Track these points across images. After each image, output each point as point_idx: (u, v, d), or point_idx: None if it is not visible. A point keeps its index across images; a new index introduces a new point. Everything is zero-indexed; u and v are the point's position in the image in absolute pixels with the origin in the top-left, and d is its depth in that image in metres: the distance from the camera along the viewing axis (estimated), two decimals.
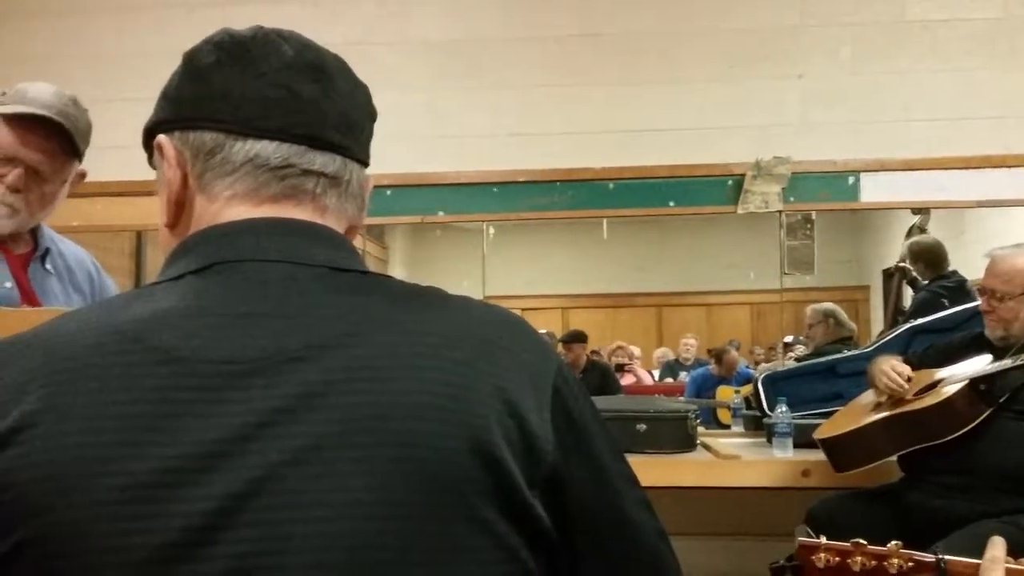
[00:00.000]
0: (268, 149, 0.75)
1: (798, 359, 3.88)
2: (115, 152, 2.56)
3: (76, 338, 0.65)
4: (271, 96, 0.75)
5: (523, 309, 5.19)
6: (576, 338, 4.73)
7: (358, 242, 0.90)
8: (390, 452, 0.63)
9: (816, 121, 3.60)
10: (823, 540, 1.43)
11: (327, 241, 0.75)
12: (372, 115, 0.83)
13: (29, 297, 1.66)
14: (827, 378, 3.41)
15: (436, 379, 0.66)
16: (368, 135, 0.82)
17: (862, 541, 1.41)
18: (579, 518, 0.70)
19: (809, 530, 2.50)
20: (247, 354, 0.65)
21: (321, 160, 0.76)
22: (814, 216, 3.62)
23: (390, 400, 0.64)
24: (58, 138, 1.64)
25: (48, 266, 1.74)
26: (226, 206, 0.75)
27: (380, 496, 0.62)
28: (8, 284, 1.64)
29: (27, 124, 1.61)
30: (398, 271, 4.62)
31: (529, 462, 0.66)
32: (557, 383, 0.71)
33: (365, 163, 0.82)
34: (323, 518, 0.61)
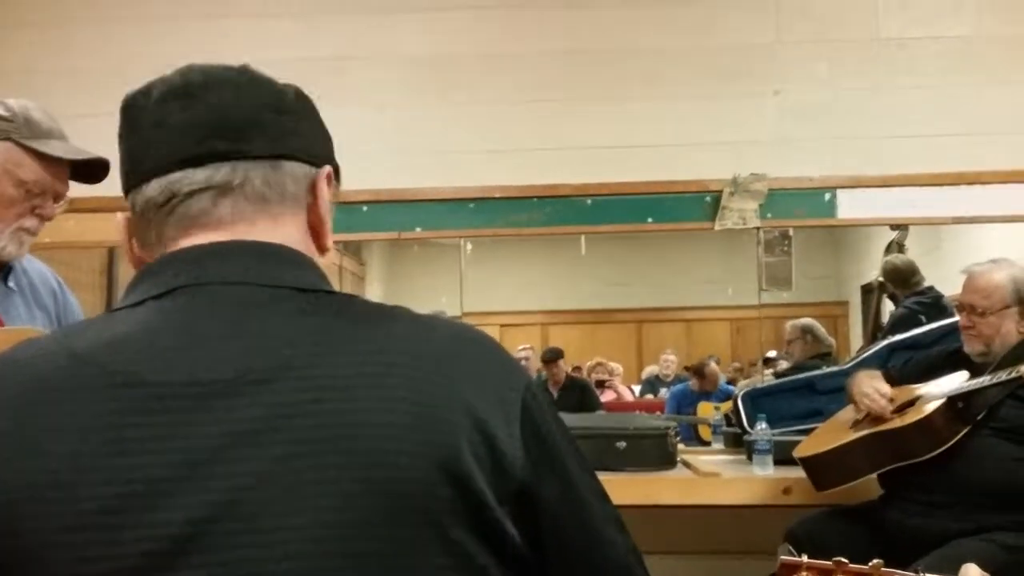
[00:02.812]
0: (152, 189, 0.75)
1: (778, 374, 3.88)
2: None
3: (34, 364, 0.65)
4: (150, 139, 0.76)
5: (502, 325, 5.18)
6: (556, 356, 4.73)
7: (334, 257, 0.89)
8: (356, 473, 0.62)
9: (793, 137, 3.62)
10: (805, 559, 1.42)
11: (287, 261, 0.75)
12: (273, 106, 0.79)
13: None
14: (806, 394, 3.42)
15: (402, 398, 0.66)
16: (276, 126, 0.78)
17: (844, 559, 1.40)
18: (549, 534, 0.70)
19: (791, 548, 2.49)
20: (209, 376, 0.64)
21: (204, 174, 0.75)
22: (791, 232, 3.63)
23: (356, 420, 0.64)
24: (71, 167, 1.68)
25: (11, 284, 1.71)
26: (167, 246, 0.75)
27: (347, 517, 0.62)
28: None
29: (59, 160, 1.63)
30: (375, 287, 4.60)
31: (498, 479, 0.66)
32: (525, 400, 0.71)
33: (283, 155, 0.78)
34: (288, 540, 0.60)
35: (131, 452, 0.61)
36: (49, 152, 1.60)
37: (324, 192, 0.81)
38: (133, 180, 0.77)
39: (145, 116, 0.78)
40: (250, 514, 0.60)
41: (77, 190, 2.98)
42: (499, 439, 0.67)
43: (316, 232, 0.80)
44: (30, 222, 1.64)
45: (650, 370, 5.32)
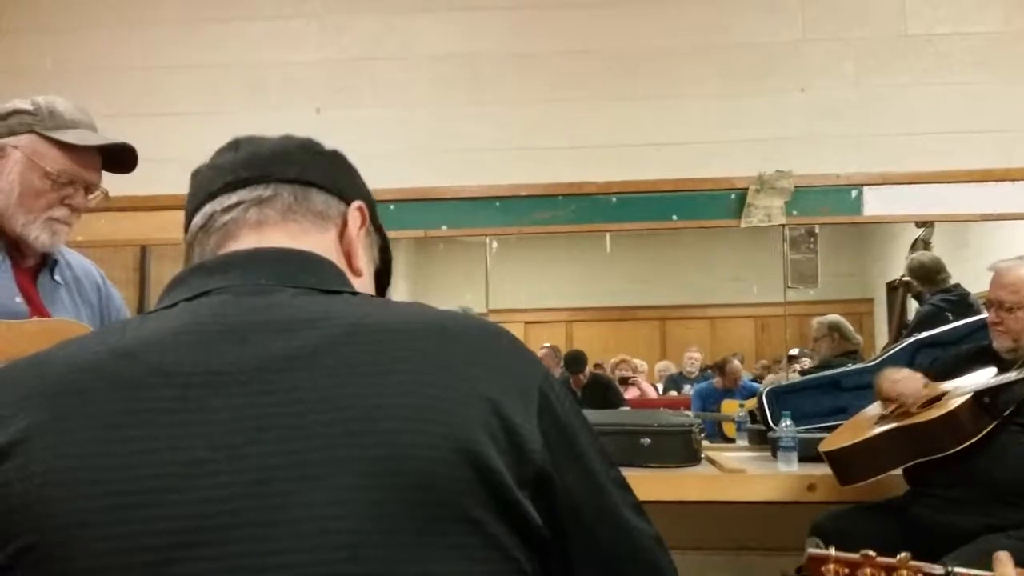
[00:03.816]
0: (198, 217, 0.84)
1: (803, 372, 3.87)
2: None
3: (72, 359, 0.69)
4: (201, 180, 0.87)
5: (526, 323, 5.19)
6: (579, 366, 4.71)
7: None
8: (378, 453, 0.64)
9: (819, 135, 3.61)
10: (833, 552, 1.43)
11: (312, 265, 0.80)
12: (304, 148, 0.89)
13: (39, 310, 1.67)
14: (831, 392, 3.41)
15: (420, 383, 0.68)
16: (306, 162, 0.87)
17: (871, 552, 1.41)
18: (570, 519, 0.71)
19: (819, 541, 2.49)
20: (233, 366, 0.67)
21: (239, 195, 0.83)
22: (817, 229, 3.62)
23: (374, 405, 0.66)
24: (102, 156, 1.70)
25: (57, 277, 1.75)
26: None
27: (369, 497, 0.63)
28: (18, 298, 1.64)
29: (85, 148, 1.65)
30: (401, 286, 4.62)
31: (517, 463, 0.67)
32: (543, 388, 0.72)
33: (312, 183, 0.86)
34: (312, 518, 0.62)
35: (162, 438, 0.64)
36: (68, 140, 1.63)
37: (355, 222, 0.87)
38: (188, 218, 0.87)
39: (204, 168, 0.88)
40: (274, 498, 0.63)
41: (110, 189, 3.04)
42: (518, 424, 0.68)
43: (348, 255, 0.86)
44: (60, 212, 1.65)
45: (664, 365, 5.31)
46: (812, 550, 1.48)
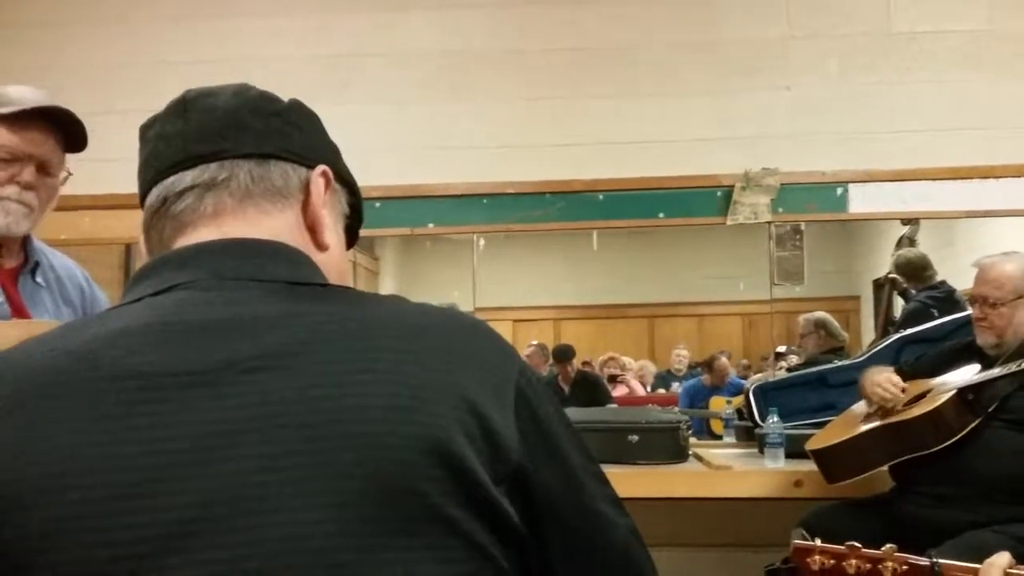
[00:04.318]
0: (152, 196, 0.80)
1: (790, 369, 3.88)
2: (104, 165, 2.55)
3: (36, 361, 0.67)
4: (152, 152, 0.82)
5: (514, 320, 5.19)
6: (567, 356, 4.74)
7: (347, 254, 0.90)
8: (349, 456, 0.63)
9: (804, 132, 3.62)
10: (818, 543, 1.44)
11: (279, 256, 0.77)
12: (260, 111, 0.82)
13: (19, 311, 1.65)
14: (818, 388, 3.42)
15: (394, 382, 0.66)
16: (262, 129, 0.82)
17: (857, 544, 1.42)
18: (547, 515, 0.70)
19: (805, 533, 2.50)
20: (204, 365, 0.66)
21: (192, 175, 0.79)
22: (803, 227, 3.63)
23: (347, 405, 0.65)
24: (56, 129, 1.66)
25: (39, 279, 1.73)
26: (166, 246, 0.79)
27: (341, 499, 0.62)
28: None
29: (27, 121, 1.62)
30: (388, 283, 4.62)
31: (494, 460, 0.67)
32: (519, 384, 0.71)
33: (270, 154, 0.81)
34: (285, 524, 0.62)
35: (127, 442, 0.62)
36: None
37: (319, 190, 0.82)
38: (142, 192, 0.82)
39: (151, 134, 0.83)
40: (247, 499, 0.62)
41: (94, 187, 3.02)
42: (493, 421, 0.67)
43: (312, 229, 0.82)
44: (9, 190, 1.63)
45: (642, 364, 5.32)
46: (798, 541, 1.48)
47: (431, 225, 3.72)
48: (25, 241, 1.74)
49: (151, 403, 0.64)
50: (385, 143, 3.63)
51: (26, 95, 1.64)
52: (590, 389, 4.69)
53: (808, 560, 1.44)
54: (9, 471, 0.62)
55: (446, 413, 0.66)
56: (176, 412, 0.64)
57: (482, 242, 3.92)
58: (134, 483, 0.61)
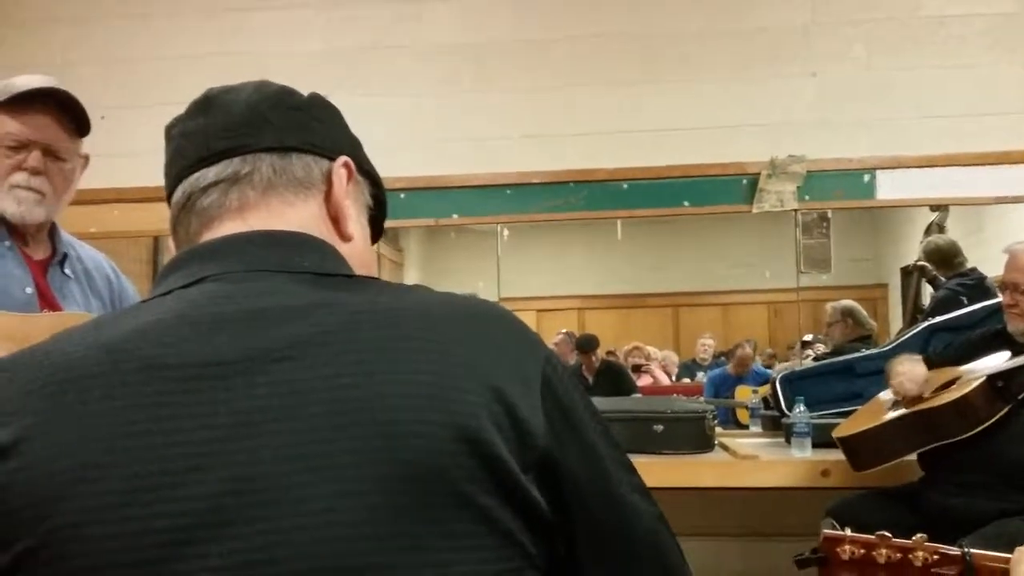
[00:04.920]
0: (178, 193, 0.82)
1: (817, 358, 3.86)
2: (131, 159, 2.58)
3: (68, 355, 0.68)
4: (176, 150, 0.84)
5: (538, 311, 5.19)
6: (591, 346, 4.73)
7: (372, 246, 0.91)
8: (378, 444, 0.64)
9: (831, 119, 3.58)
10: (848, 532, 1.43)
11: (305, 247, 0.78)
12: (280, 105, 0.84)
13: (49, 302, 1.67)
14: (845, 377, 3.40)
15: (421, 371, 0.67)
16: (283, 122, 0.83)
17: (887, 534, 1.40)
18: (575, 502, 0.70)
19: (834, 523, 2.49)
20: (234, 356, 0.66)
21: (215, 171, 0.80)
22: (830, 214, 3.60)
23: (375, 393, 0.65)
24: (61, 114, 1.67)
25: (67, 271, 1.75)
26: (193, 242, 0.81)
27: (371, 487, 0.63)
28: (29, 289, 1.65)
29: (30, 106, 1.64)
30: (413, 274, 4.63)
31: (521, 447, 0.67)
32: (545, 371, 0.71)
33: (291, 147, 0.82)
34: (314, 511, 0.62)
35: (161, 432, 0.63)
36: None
37: (341, 181, 0.83)
38: (168, 190, 0.83)
39: (175, 132, 0.85)
40: (278, 488, 0.62)
41: (122, 180, 3.05)
42: (520, 408, 0.67)
43: (336, 220, 0.83)
44: (18, 177, 1.64)
45: (666, 355, 5.30)
46: (827, 531, 1.47)
47: (455, 216, 3.72)
48: (53, 233, 1.76)
49: (183, 393, 0.65)
50: (409, 135, 3.64)
51: (32, 82, 1.65)
52: (614, 379, 4.68)
53: (838, 550, 1.43)
54: (47, 462, 0.63)
55: (474, 401, 0.66)
56: (208, 402, 0.65)
57: (506, 232, 3.92)
58: (168, 472, 0.62)
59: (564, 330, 5.01)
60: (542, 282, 5.06)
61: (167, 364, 0.66)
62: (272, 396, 0.65)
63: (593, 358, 4.71)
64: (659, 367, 5.21)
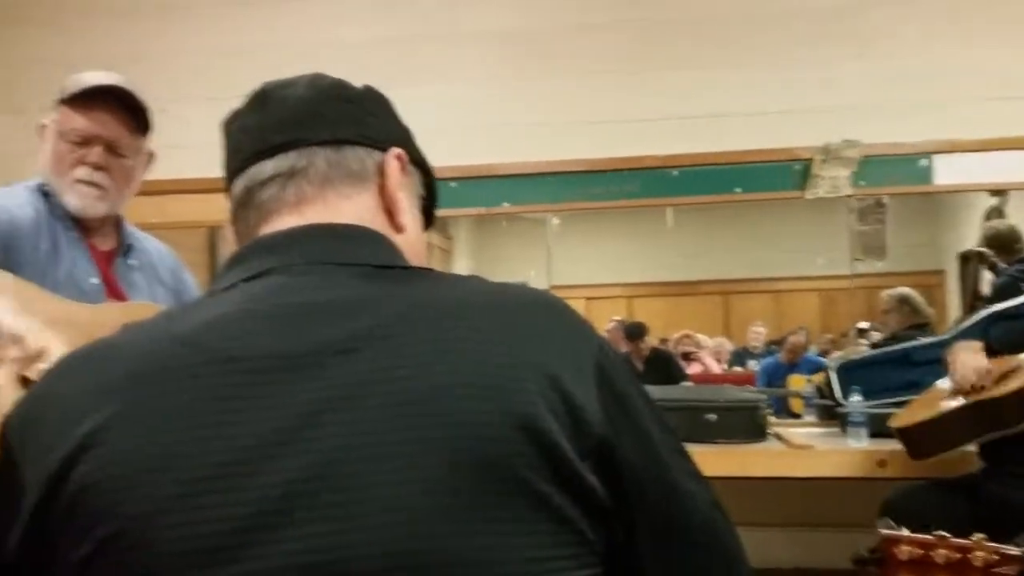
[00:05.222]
0: (237, 187, 0.84)
1: (873, 345, 3.79)
2: (189, 150, 2.62)
3: (140, 348, 0.70)
4: (234, 145, 0.87)
5: (587, 298, 5.19)
6: (640, 333, 4.71)
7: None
8: (438, 433, 0.65)
9: (885, 102, 3.51)
10: (906, 532, 1.41)
11: (362, 240, 0.80)
12: (333, 99, 0.86)
13: (114, 291, 1.72)
14: (902, 366, 3.33)
15: (479, 360, 0.68)
16: (337, 116, 0.85)
17: (945, 534, 1.39)
18: (632, 489, 0.71)
19: (891, 522, 2.46)
20: (296, 350, 0.68)
21: (272, 165, 0.82)
22: (886, 200, 3.54)
23: (435, 383, 0.67)
24: (125, 112, 1.71)
25: (132, 261, 1.80)
26: (252, 234, 0.83)
27: (432, 476, 0.64)
28: (94, 280, 1.69)
29: (94, 103, 1.68)
30: (462, 262, 4.65)
31: (577, 435, 0.68)
32: (600, 360, 0.72)
33: (345, 140, 0.84)
34: (379, 498, 0.63)
35: (231, 423, 0.65)
36: (64, 96, 1.67)
37: (394, 172, 0.85)
38: (227, 183, 0.86)
39: (233, 127, 0.88)
40: (342, 477, 0.64)
41: (180, 171, 3.10)
42: (576, 396, 0.68)
43: (390, 211, 0.85)
44: (81, 171, 1.68)
45: (719, 342, 5.26)
46: (885, 531, 1.46)
47: (506, 204, 3.72)
48: (119, 225, 1.81)
49: (251, 386, 0.67)
50: (457, 123, 3.65)
51: (98, 78, 1.70)
52: (664, 367, 4.66)
53: (895, 550, 1.42)
54: (123, 453, 0.65)
55: (530, 390, 0.67)
56: (275, 394, 0.66)
57: (556, 220, 3.91)
58: (240, 462, 0.64)
59: (616, 318, 5.00)
60: (591, 270, 5.06)
61: (234, 357, 0.68)
62: (336, 388, 0.66)
63: (642, 346, 4.69)
64: (709, 355, 5.17)
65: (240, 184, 0.83)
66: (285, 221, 0.81)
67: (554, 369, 0.69)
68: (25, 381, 1.22)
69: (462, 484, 0.64)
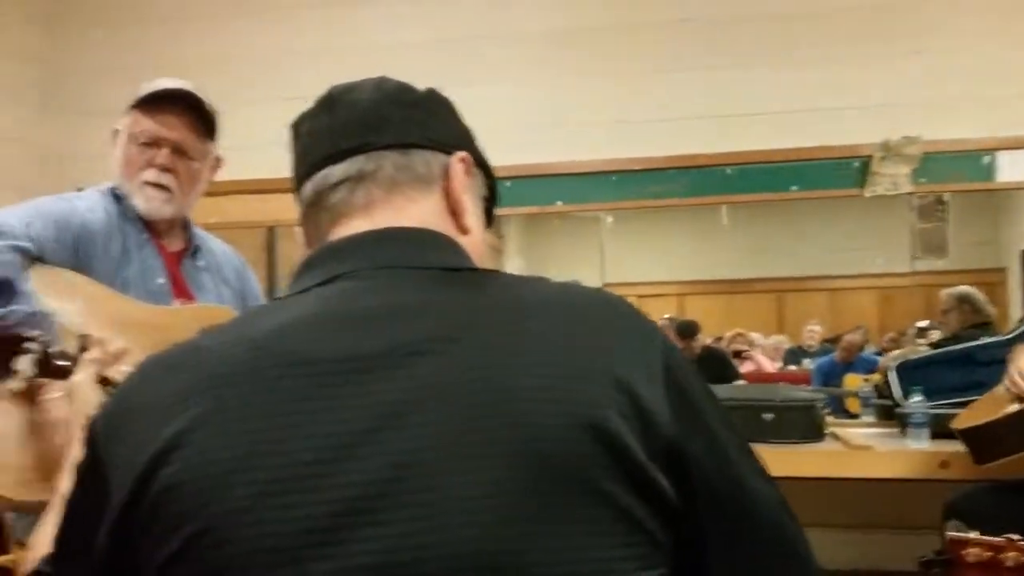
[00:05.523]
0: (307, 190, 0.85)
1: (933, 345, 3.73)
2: (249, 152, 2.67)
3: (221, 351, 0.72)
4: (303, 148, 0.88)
5: (639, 296, 5.17)
6: (692, 332, 4.68)
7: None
8: (510, 435, 0.66)
9: (946, 98, 3.44)
10: (974, 535, 1.39)
11: (431, 243, 0.81)
12: (400, 103, 0.87)
13: (182, 291, 1.76)
14: (964, 366, 3.27)
15: (548, 362, 0.69)
16: (404, 120, 0.86)
17: (1015, 536, 1.36)
18: (700, 488, 0.71)
19: (960, 524, 2.41)
20: (370, 351, 0.70)
21: (341, 168, 0.83)
22: (947, 197, 3.47)
23: (504, 385, 0.67)
24: (192, 115, 1.75)
25: (200, 262, 1.84)
26: (323, 238, 0.85)
27: (504, 477, 0.65)
28: (161, 280, 1.73)
29: (163, 106, 1.73)
30: (514, 261, 4.66)
31: (647, 436, 0.68)
32: (666, 361, 0.73)
33: (411, 144, 0.85)
34: (455, 499, 0.64)
35: (308, 424, 0.67)
36: (136, 101, 1.72)
37: (458, 175, 0.86)
38: (296, 185, 0.88)
39: (302, 130, 0.89)
40: (413, 482, 0.65)
41: (239, 172, 3.15)
42: (644, 398, 0.69)
43: (455, 213, 0.86)
44: (148, 174, 1.72)
45: (778, 340, 5.19)
46: (952, 533, 1.44)
47: (559, 203, 3.72)
48: (186, 226, 1.85)
49: (329, 387, 0.68)
50: (510, 123, 3.65)
51: (168, 81, 1.74)
52: (717, 366, 4.62)
53: (963, 552, 1.39)
54: (208, 453, 0.67)
55: (598, 391, 0.68)
56: (350, 395, 0.68)
57: (610, 219, 3.91)
58: (320, 461, 0.65)
59: (667, 316, 4.97)
60: (644, 268, 5.04)
61: (311, 359, 0.69)
62: (408, 390, 0.67)
63: (694, 344, 4.66)
64: (762, 353, 5.12)
65: (310, 187, 0.85)
66: (355, 225, 0.82)
67: (622, 371, 0.69)
68: (104, 382, 1.25)
69: (532, 486, 0.65)
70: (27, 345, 1.21)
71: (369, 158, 0.83)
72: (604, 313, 0.75)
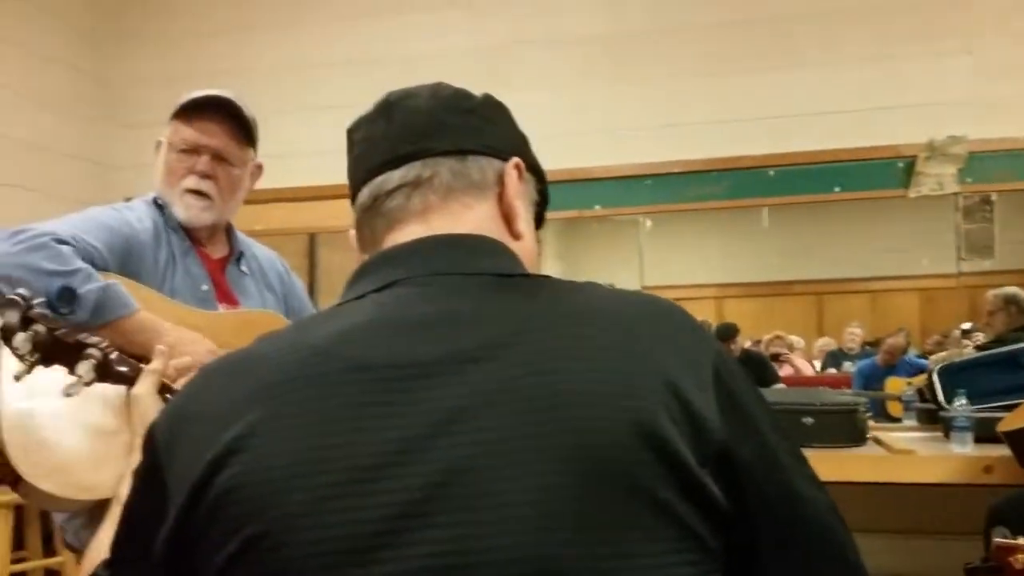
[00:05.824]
0: (363, 195, 0.87)
1: (979, 347, 3.66)
2: (290, 160, 2.71)
3: (278, 358, 0.74)
4: (361, 154, 0.89)
5: (677, 299, 5.12)
6: (731, 334, 4.65)
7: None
8: (563, 440, 0.66)
9: (993, 97, 3.39)
10: (1022, 540, 1.37)
11: (485, 250, 0.82)
12: (456, 110, 0.88)
13: (226, 296, 1.79)
14: (1010, 368, 3.21)
15: (600, 368, 0.69)
16: (460, 126, 0.87)
17: None
18: (751, 494, 0.71)
19: (1007, 532, 2.38)
20: (426, 358, 0.71)
21: (399, 174, 0.85)
22: (994, 197, 3.41)
23: (559, 391, 0.68)
24: (232, 122, 1.78)
25: (243, 268, 1.87)
26: (378, 244, 0.86)
27: (556, 482, 0.65)
28: (205, 286, 1.76)
29: (202, 114, 1.75)
30: (551, 264, 4.66)
31: (697, 441, 0.68)
32: (717, 365, 0.73)
33: (468, 150, 0.86)
34: (509, 504, 0.65)
35: (366, 430, 0.68)
36: (177, 109, 1.75)
37: (512, 181, 0.87)
38: (353, 191, 0.89)
39: (358, 136, 0.90)
40: (468, 487, 0.65)
41: (281, 180, 3.20)
42: (695, 404, 0.69)
43: (508, 219, 0.86)
44: (189, 181, 1.74)
45: (825, 341, 5.12)
46: (999, 539, 1.42)
47: (598, 207, 3.73)
48: (229, 233, 1.88)
49: (386, 392, 0.69)
50: (549, 128, 3.64)
51: (208, 91, 1.77)
52: (756, 369, 4.58)
53: (1011, 559, 1.38)
54: (267, 458, 0.68)
55: (650, 396, 0.68)
56: (407, 401, 0.69)
57: (648, 223, 3.89)
58: (378, 466, 0.66)
59: (703, 319, 4.94)
60: (682, 270, 5.01)
61: (368, 366, 0.70)
62: (464, 396, 0.68)
63: (732, 347, 4.63)
64: (800, 356, 5.07)
65: (366, 192, 0.86)
66: (411, 231, 0.83)
67: (673, 376, 0.70)
68: (165, 389, 1.28)
69: (583, 492, 0.65)
70: (88, 351, 1.24)
71: (426, 164, 0.84)
72: (656, 319, 0.75)
